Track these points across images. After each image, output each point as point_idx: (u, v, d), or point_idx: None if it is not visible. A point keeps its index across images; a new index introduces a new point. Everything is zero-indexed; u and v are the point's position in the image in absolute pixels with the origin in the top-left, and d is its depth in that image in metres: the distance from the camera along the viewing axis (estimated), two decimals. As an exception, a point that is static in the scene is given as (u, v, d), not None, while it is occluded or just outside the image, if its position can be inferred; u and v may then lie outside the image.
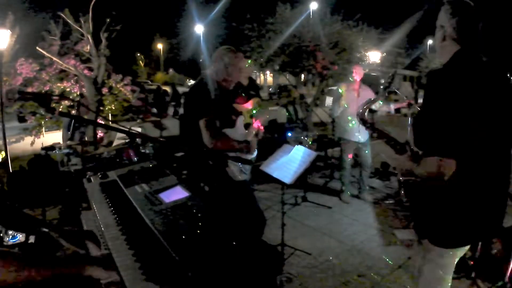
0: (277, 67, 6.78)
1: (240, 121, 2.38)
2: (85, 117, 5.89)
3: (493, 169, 1.36)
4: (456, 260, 1.48)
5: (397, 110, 4.36)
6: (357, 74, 3.91)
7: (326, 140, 5.34)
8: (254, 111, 4.09)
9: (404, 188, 3.96)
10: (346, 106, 3.89)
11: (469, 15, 1.39)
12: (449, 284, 1.51)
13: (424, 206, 1.46)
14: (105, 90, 6.59)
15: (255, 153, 2.41)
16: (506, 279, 2.29)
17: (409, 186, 1.46)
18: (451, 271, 1.49)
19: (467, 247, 1.52)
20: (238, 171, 2.23)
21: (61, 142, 4.09)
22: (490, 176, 1.36)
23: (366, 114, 1.79)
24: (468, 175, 1.32)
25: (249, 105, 4.13)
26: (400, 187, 4.07)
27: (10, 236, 2.58)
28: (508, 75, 1.43)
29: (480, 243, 2.41)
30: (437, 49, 1.48)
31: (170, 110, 11.37)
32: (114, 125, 2.10)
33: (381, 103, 3.76)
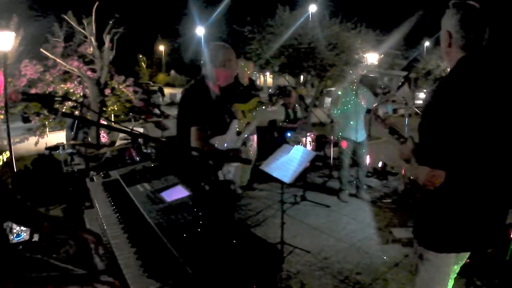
0: (276, 69, 6.83)
1: (234, 125, 2.32)
2: (88, 117, 5.96)
3: (496, 178, 1.34)
4: (456, 263, 1.47)
5: (395, 111, 4.41)
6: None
7: (325, 140, 5.39)
8: (254, 113, 4.14)
9: (409, 189, 4.00)
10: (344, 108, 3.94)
11: (477, 20, 1.31)
12: (448, 284, 1.50)
13: (422, 209, 1.47)
14: (107, 91, 6.65)
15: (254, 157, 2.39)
16: (502, 277, 2.31)
17: (415, 188, 1.47)
18: (448, 272, 1.47)
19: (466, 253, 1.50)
20: (222, 176, 2.22)
21: (65, 142, 4.15)
22: (493, 185, 1.35)
23: (378, 111, 1.92)
24: (469, 183, 1.32)
25: (251, 105, 4.20)
26: (406, 187, 4.09)
27: (15, 235, 2.64)
28: None
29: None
30: (443, 54, 1.43)
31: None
32: (117, 125, 2.14)
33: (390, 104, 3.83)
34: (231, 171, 2.32)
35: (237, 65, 2.28)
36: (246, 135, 2.45)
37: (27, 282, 1.05)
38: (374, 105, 1.96)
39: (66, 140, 4.54)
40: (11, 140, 4.84)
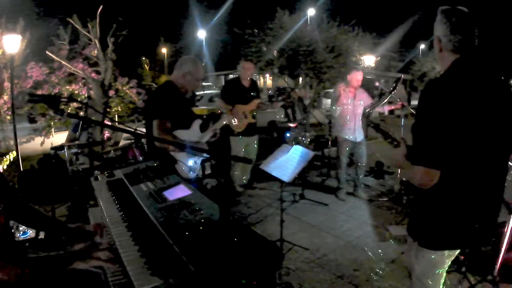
0: (276, 70, 6.90)
1: (196, 123, 2.51)
2: (93, 118, 6.05)
3: (487, 177, 1.37)
4: (449, 259, 1.48)
5: (391, 112, 4.46)
6: (356, 81, 3.99)
7: (323, 140, 5.45)
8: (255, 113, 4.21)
9: (405, 188, 4.05)
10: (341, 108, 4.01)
11: (464, 24, 1.34)
12: (442, 281, 1.52)
13: (416, 207, 1.50)
14: (111, 93, 6.74)
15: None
16: (496, 273, 2.30)
17: (409, 187, 1.49)
18: (442, 268, 1.49)
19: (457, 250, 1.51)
20: (187, 170, 2.33)
21: (63, 142, 4.22)
22: (485, 185, 1.37)
23: (371, 114, 1.92)
24: (462, 182, 1.34)
25: (252, 106, 4.28)
26: (401, 187, 4.15)
27: (21, 232, 2.71)
28: (505, 79, 1.40)
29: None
30: (437, 58, 1.47)
31: None
32: (120, 126, 2.23)
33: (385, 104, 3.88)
34: (197, 162, 2.42)
35: (196, 77, 2.50)
36: (212, 130, 2.63)
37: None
38: (367, 110, 1.99)
39: (66, 139, 4.61)
40: (18, 140, 4.95)
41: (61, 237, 1.52)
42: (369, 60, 7.59)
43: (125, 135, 4.97)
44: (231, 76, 23.94)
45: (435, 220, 1.40)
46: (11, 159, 4.78)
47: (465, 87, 1.28)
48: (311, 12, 8.68)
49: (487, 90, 1.32)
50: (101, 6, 6.22)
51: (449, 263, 1.50)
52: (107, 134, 6.44)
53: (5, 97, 5.86)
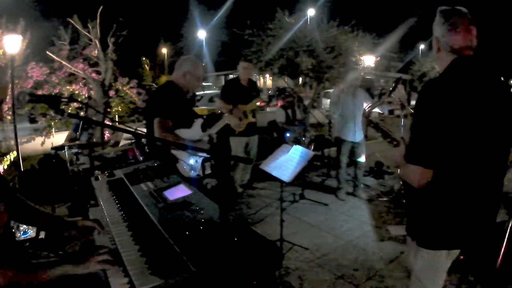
0: (276, 71, 6.91)
1: (198, 123, 2.54)
2: (93, 118, 6.06)
3: (486, 177, 1.36)
4: (449, 260, 1.48)
5: (391, 112, 4.46)
6: None
7: (323, 140, 5.46)
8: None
9: (404, 187, 4.04)
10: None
11: (462, 24, 1.34)
12: (441, 281, 1.51)
13: (414, 207, 1.50)
14: (112, 93, 6.77)
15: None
16: (495, 272, 2.33)
17: (409, 187, 1.49)
18: (441, 268, 1.48)
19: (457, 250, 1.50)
20: (189, 169, 2.35)
21: (63, 142, 4.22)
22: (483, 184, 1.37)
23: (371, 113, 1.95)
24: (460, 182, 1.34)
25: (252, 105, 4.29)
26: (401, 186, 4.15)
27: (22, 232, 2.72)
28: (504, 79, 1.40)
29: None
30: (435, 58, 1.47)
31: None
32: (121, 126, 2.24)
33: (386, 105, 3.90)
34: (198, 161, 2.44)
35: (197, 76, 2.54)
36: (213, 131, 2.66)
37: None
38: (367, 109, 2.00)
39: (65, 139, 4.62)
40: (18, 140, 4.97)
41: (62, 234, 1.52)
42: (369, 60, 7.61)
43: (125, 135, 4.98)
44: (231, 76, 23.97)
45: (433, 219, 1.40)
46: (12, 159, 4.80)
47: (463, 87, 1.28)
48: (311, 12, 8.73)
49: (485, 91, 1.32)
50: (102, 6, 6.24)
51: (450, 263, 1.50)
52: (107, 134, 6.46)
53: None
